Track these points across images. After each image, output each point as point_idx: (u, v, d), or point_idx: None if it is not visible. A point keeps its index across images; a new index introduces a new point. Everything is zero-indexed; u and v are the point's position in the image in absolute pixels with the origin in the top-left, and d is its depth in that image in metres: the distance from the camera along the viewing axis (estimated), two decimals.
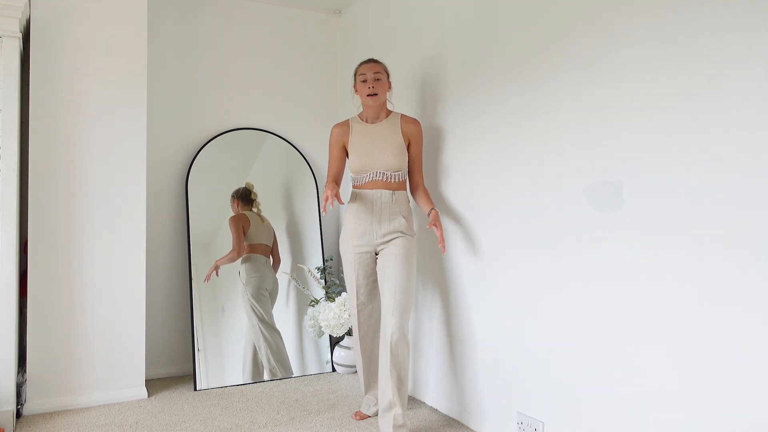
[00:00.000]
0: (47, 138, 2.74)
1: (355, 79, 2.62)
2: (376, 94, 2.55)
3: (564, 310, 2.04)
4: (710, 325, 1.56)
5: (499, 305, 2.37)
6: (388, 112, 2.64)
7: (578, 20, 1.98)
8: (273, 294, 3.41)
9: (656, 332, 1.70)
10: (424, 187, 2.64)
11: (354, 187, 2.59)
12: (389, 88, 2.63)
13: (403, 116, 2.62)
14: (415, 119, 2.62)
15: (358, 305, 2.59)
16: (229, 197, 3.43)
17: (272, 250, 3.46)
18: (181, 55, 3.42)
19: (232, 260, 3.32)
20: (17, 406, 2.60)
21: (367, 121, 2.62)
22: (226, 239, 3.38)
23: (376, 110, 2.60)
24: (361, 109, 2.66)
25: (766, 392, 1.44)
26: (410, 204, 2.66)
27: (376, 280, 2.58)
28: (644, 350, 1.74)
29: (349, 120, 2.67)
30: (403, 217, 2.50)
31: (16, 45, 2.54)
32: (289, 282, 3.47)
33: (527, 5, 2.21)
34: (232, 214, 3.40)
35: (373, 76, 2.54)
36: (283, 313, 3.44)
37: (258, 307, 3.31)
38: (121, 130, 2.87)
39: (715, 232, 1.55)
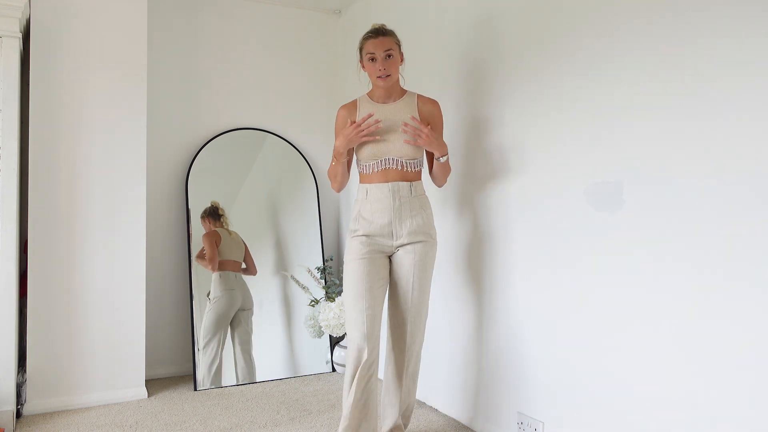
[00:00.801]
0: (47, 138, 2.74)
1: (360, 55, 2.24)
2: (389, 75, 2.17)
3: (564, 312, 2.04)
4: (711, 326, 1.56)
5: (499, 306, 2.37)
6: (403, 92, 2.28)
7: (584, 20, 1.98)
8: (246, 311, 3.32)
9: (657, 333, 1.70)
10: None
11: (362, 180, 2.24)
12: (401, 61, 2.26)
13: (420, 96, 2.28)
14: (434, 100, 2.30)
15: (368, 308, 2.09)
16: (220, 207, 3.39)
17: (246, 260, 3.41)
18: (181, 55, 3.42)
19: (210, 270, 3.29)
20: (17, 406, 2.60)
21: (378, 101, 2.26)
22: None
23: (388, 90, 2.24)
24: (370, 87, 2.32)
25: None
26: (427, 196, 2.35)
27: (385, 285, 2.20)
28: (645, 351, 1.74)
29: (356, 100, 2.31)
30: (424, 211, 2.20)
31: (16, 45, 2.54)
32: (277, 273, 3.48)
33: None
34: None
35: (383, 54, 2.15)
36: (282, 313, 3.44)
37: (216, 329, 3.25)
38: (121, 130, 2.87)
39: (713, 236, 1.55)
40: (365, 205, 2.19)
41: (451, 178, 2.60)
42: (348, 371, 2.08)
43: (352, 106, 2.28)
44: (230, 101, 3.54)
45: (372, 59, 2.17)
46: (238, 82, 3.56)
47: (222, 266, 3.31)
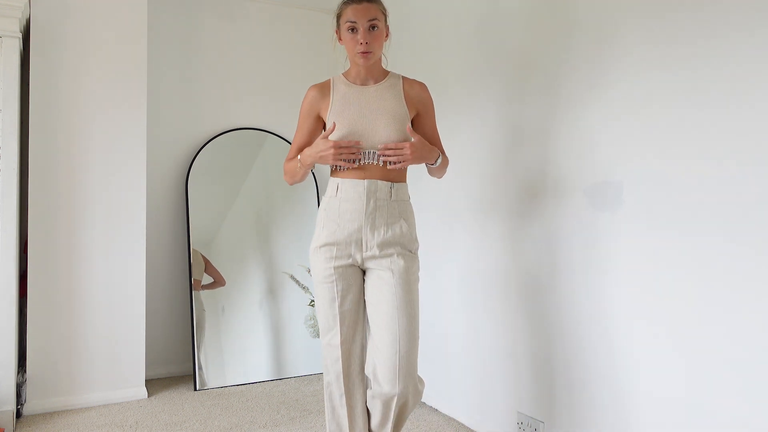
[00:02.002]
0: (47, 138, 2.74)
1: (338, 23, 1.87)
2: (371, 52, 1.81)
3: (563, 311, 2.04)
4: (712, 326, 1.56)
5: (496, 306, 2.37)
6: (385, 73, 1.92)
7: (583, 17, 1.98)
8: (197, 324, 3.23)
9: (657, 332, 1.70)
10: None
11: (334, 173, 1.88)
12: (387, 36, 1.88)
13: (405, 79, 1.93)
14: (421, 82, 1.95)
15: (342, 343, 1.82)
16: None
17: (209, 274, 3.34)
18: (181, 55, 3.42)
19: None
20: (17, 406, 2.60)
21: (356, 83, 1.90)
22: (225, 240, 3.38)
23: (369, 69, 1.88)
24: (347, 66, 1.96)
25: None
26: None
27: (363, 303, 1.88)
28: (645, 350, 1.74)
29: (330, 79, 1.93)
30: (404, 220, 1.84)
31: (16, 45, 2.54)
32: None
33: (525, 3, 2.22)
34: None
35: (366, 24, 1.79)
36: (281, 313, 3.44)
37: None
38: (121, 130, 2.88)
39: (713, 231, 1.55)
40: (333, 202, 1.84)
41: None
42: (327, 417, 1.91)
43: (325, 87, 1.92)
44: (230, 101, 3.54)
45: (352, 29, 1.81)
46: (238, 82, 3.56)
47: None
